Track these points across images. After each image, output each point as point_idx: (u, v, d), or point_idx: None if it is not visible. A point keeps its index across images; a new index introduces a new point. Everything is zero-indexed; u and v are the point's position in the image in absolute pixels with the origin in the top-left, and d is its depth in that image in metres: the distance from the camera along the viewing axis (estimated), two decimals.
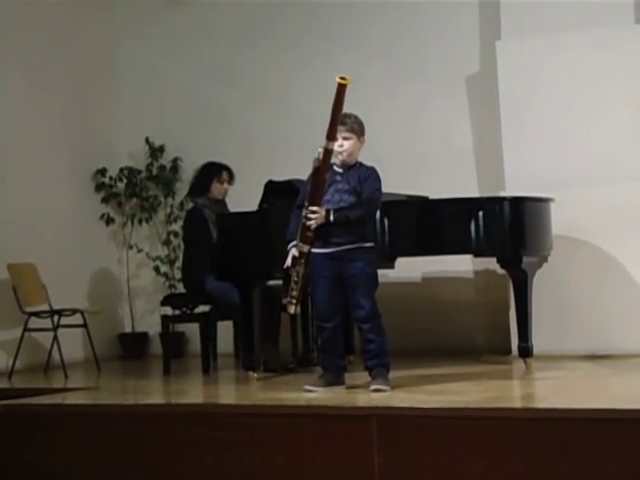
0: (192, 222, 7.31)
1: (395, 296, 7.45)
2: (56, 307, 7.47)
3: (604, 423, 4.15)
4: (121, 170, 9.00)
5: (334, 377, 5.43)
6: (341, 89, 5.19)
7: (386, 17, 8.40)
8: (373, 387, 5.24)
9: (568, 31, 7.47)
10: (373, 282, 5.39)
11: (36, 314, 7.42)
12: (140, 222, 9.01)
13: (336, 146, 5.30)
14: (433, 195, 6.77)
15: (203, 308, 7.27)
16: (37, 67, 8.42)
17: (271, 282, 6.70)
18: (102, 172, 8.94)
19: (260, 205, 6.88)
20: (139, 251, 8.97)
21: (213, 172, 7.36)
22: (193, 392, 6.17)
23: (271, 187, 6.89)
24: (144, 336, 8.97)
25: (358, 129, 5.38)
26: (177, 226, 8.78)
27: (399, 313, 7.24)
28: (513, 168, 7.52)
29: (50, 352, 7.46)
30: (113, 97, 9.21)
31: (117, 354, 8.83)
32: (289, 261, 5.39)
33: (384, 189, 5.43)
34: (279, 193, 6.72)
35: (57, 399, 5.86)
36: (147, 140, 9.00)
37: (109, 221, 8.99)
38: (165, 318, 7.26)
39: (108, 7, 9.21)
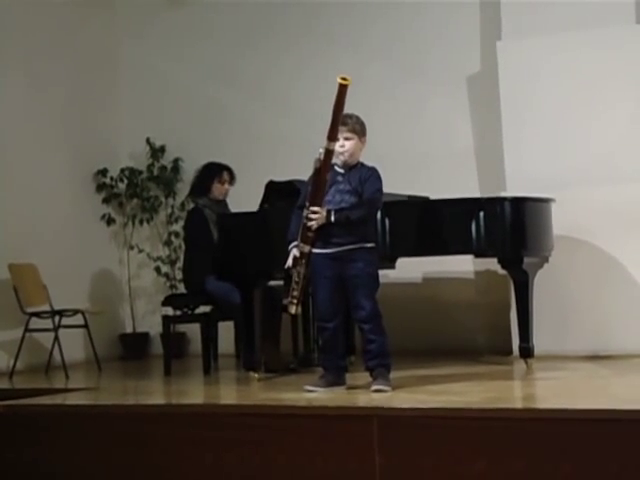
0: (193, 222, 7.31)
1: (396, 296, 7.45)
2: (57, 307, 7.47)
3: (605, 423, 4.15)
4: (122, 170, 9.01)
5: (335, 377, 5.43)
6: (342, 89, 5.19)
7: (386, 17, 8.40)
8: (374, 387, 5.24)
9: (569, 31, 7.47)
10: (374, 282, 5.39)
11: (37, 314, 7.42)
12: (141, 222, 9.02)
13: (337, 146, 5.30)
14: (434, 195, 6.77)
15: (204, 308, 7.26)
16: (37, 67, 8.43)
17: (272, 282, 6.70)
18: (103, 172, 8.94)
19: (261, 205, 6.88)
20: (140, 251, 8.97)
21: (214, 172, 7.36)
22: (194, 392, 6.18)
23: (272, 187, 6.89)
24: (145, 336, 8.97)
25: (359, 129, 5.38)
26: (178, 226, 8.78)
27: (400, 313, 7.24)
28: (514, 168, 7.52)
29: (51, 352, 7.46)
30: (114, 97, 9.21)
31: (118, 354, 8.83)
32: (290, 261, 5.39)
33: (385, 189, 5.43)
34: (280, 193, 6.71)
35: (58, 399, 5.86)
36: (148, 140, 9.00)
37: (110, 221, 8.99)
38: (166, 318, 7.26)
39: (108, 7, 9.22)
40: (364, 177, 5.36)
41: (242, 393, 6.07)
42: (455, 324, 7.90)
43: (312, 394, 5.30)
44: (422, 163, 8.05)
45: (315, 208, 5.28)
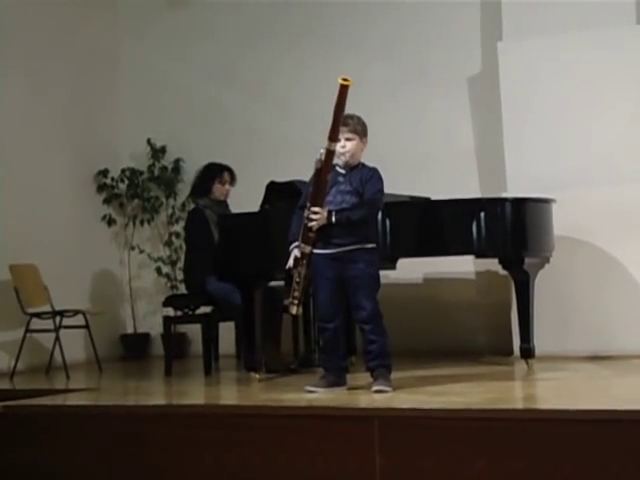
0: (193, 223, 7.31)
1: (397, 297, 7.45)
2: (58, 308, 7.47)
3: (605, 424, 4.15)
4: (123, 171, 9.01)
5: (336, 378, 5.43)
6: (343, 90, 5.19)
7: (387, 18, 8.41)
8: (375, 388, 5.24)
9: (569, 32, 7.47)
10: (375, 283, 5.39)
11: (38, 315, 7.43)
12: (142, 223, 9.02)
13: (339, 147, 5.30)
14: (434, 196, 6.77)
15: (205, 309, 7.26)
16: (38, 67, 8.43)
17: (272, 283, 6.70)
18: (104, 173, 8.95)
19: (262, 206, 6.88)
20: (141, 252, 8.97)
21: (214, 173, 7.36)
22: (194, 393, 6.17)
23: (273, 188, 6.90)
24: (146, 337, 8.97)
25: (361, 130, 5.38)
26: (179, 227, 8.79)
27: (401, 314, 7.24)
28: (514, 169, 7.52)
29: (52, 353, 7.46)
30: (114, 98, 9.22)
31: (119, 355, 8.84)
32: (291, 262, 5.39)
33: (385, 190, 5.43)
34: (281, 194, 6.72)
35: (58, 400, 5.86)
36: (149, 141, 9.00)
37: (111, 222, 9.00)
38: (167, 319, 7.27)
39: (109, 7, 9.22)
40: (365, 178, 5.36)
41: (243, 394, 6.07)
42: (456, 324, 7.90)
43: (313, 395, 5.30)
44: (423, 163, 8.05)
45: (316, 209, 5.28)
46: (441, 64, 8.19)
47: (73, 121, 8.72)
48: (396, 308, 6.73)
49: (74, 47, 8.80)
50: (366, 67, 8.16)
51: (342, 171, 5.40)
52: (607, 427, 4.13)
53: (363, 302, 5.32)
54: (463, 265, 7.58)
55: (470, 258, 7.07)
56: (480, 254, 6.50)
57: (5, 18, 8.15)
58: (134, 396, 6.38)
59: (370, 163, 5.44)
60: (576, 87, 7.45)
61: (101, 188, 8.96)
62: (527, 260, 6.40)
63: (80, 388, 6.41)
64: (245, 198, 7.09)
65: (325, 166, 5.26)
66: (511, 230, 6.35)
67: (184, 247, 7.78)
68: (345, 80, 5.17)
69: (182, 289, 7.95)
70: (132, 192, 9.00)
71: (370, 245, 5.39)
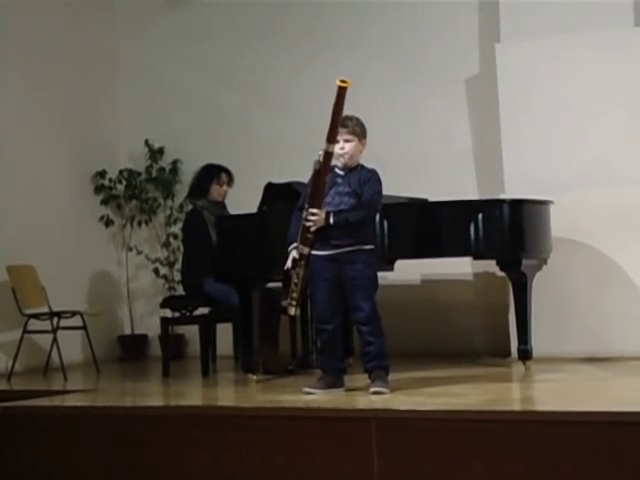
0: (191, 224, 7.31)
1: (394, 298, 7.45)
2: (55, 309, 7.46)
3: (603, 426, 4.15)
4: (120, 172, 9.00)
5: (333, 379, 5.43)
6: (341, 92, 5.18)
7: (385, 18, 8.40)
8: (372, 389, 5.24)
9: (567, 33, 7.46)
10: (373, 284, 5.39)
11: (35, 316, 7.42)
12: (140, 224, 9.01)
13: (337, 148, 5.29)
14: (432, 197, 6.78)
15: (202, 310, 7.25)
16: (36, 68, 8.43)
17: (270, 284, 6.70)
18: (102, 174, 8.94)
19: (259, 207, 6.88)
20: (138, 253, 8.96)
21: (212, 174, 7.36)
22: (192, 394, 6.17)
23: (271, 189, 6.89)
24: (143, 338, 8.97)
25: (360, 131, 5.37)
26: (176, 228, 8.78)
27: (398, 315, 7.23)
28: (512, 170, 7.51)
29: (49, 354, 7.46)
30: (113, 98, 9.21)
31: (116, 356, 8.83)
32: (289, 263, 5.39)
33: (383, 191, 5.43)
34: (279, 195, 6.71)
35: (56, 401, 5.86)
36: (146, 142, 9.00)
37: (108, 223, 8.99)
38: (164, 320, 7.26)
39: (107, 8, 9.22)
40: (364, 179, 5.36)
41: (240, 395, 6.06)
42: (453, 326, 7.90)
43: (310, 396, 5.30)
44: (420, 164, 8.05)
45: (314, 210, 5.28)
46: (439, 65, 8.19)
47: (71, 122, 8.72)
48: (394, 309, 6.73)
49: (72, 48, 8.79)
50: (364, 68, 8.16)
51: (341, 172, 5.40)
52: (605, 429, 4.13)
53: (361, 303, 5.31)
54: (461, 267, 7.58)
55: (468, 260, 7.08)
56: (478, 256, 6.50)
57: (3, 19, 8.14)
58: (132, 397, 6.37)
59: (367, 164, 5.44)
60: (574, 88, 7.45)
61: (99, 189, 8.95)
62: (525, 262, 6.40)
63: (78, 389, 6.40)
64: (243, 199, 7.09)
65: (323, 168, 5.26)
66: (509, 232, 6.35)
67: (182, 248, 7.77)
68: (343, 82, 5.16)
69: (180, 290, 7.95)
70: (130, 193, 8.99)
71: (368, 246, 5.39)
